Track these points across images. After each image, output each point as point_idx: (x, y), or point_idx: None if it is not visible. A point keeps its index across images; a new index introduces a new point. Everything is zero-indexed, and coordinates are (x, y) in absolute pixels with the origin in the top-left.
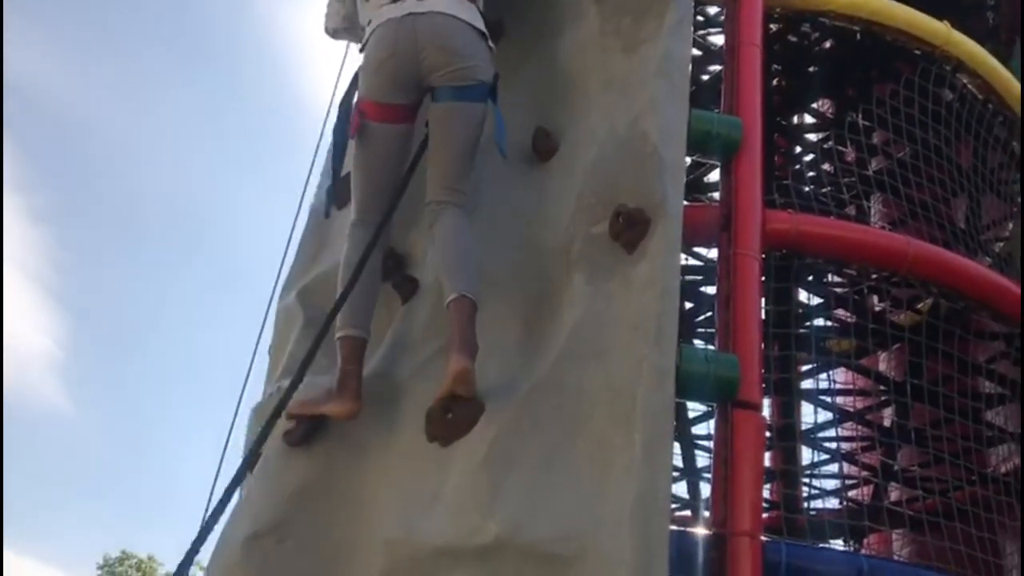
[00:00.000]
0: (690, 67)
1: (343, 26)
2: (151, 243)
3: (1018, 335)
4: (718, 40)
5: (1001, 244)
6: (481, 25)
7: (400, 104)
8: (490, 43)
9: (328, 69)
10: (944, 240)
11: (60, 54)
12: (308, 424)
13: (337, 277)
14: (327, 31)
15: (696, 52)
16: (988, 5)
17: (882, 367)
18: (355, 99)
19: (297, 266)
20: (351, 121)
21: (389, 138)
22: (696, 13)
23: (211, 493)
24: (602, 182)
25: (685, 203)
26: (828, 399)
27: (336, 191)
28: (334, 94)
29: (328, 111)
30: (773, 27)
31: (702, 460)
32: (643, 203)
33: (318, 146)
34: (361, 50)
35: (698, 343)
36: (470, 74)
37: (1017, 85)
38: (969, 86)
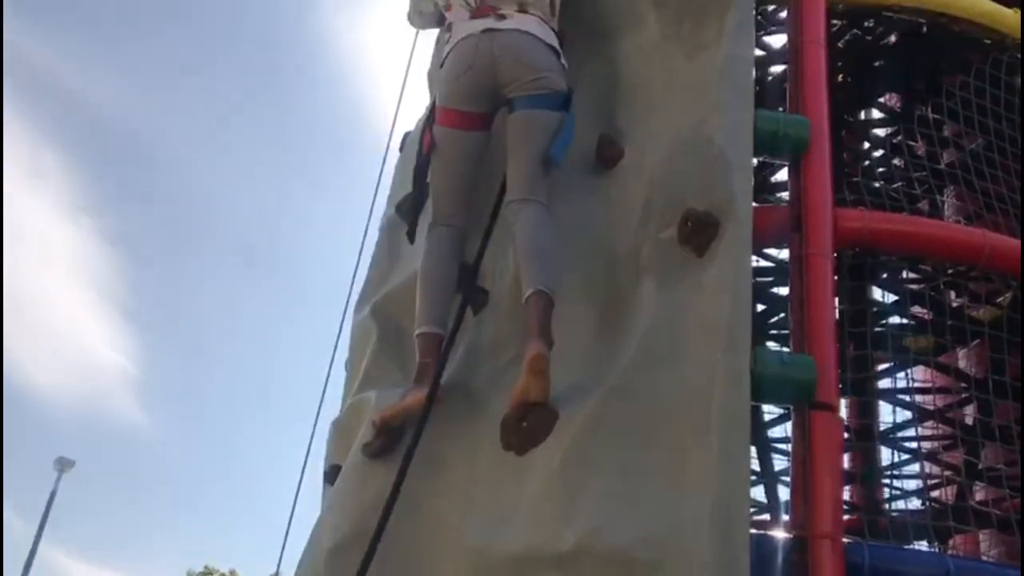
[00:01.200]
0: (753, 68)
1: (424, 19)
2: (222, 260)
3: None
4: (780, 40)
5: None
6: (555, 42)
7: (477, 112)
8: (563, 60)
9: (391, 80)
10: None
11: (128, 76)
12: (387, 436)
13: (410, 291)
14: (409, 19)
15: (759, 52)
16: None
17: (962, 364)
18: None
19: (370, 281)
20: (423, 141)
21: (466, 144)
22: (757, 13)
23: (293, 507)
24: (669, 187)
25: (754, 204)
26: (907, 398)
27: (403, 207)
28: (398, 109)
29: (393, 126)
30: (836, 23)
31: (780, 463)
32: (711, 206)
33: (384, 160)
34: (440, 65)
35: (772, 345)
36: (545, 84)
37: None
38: None
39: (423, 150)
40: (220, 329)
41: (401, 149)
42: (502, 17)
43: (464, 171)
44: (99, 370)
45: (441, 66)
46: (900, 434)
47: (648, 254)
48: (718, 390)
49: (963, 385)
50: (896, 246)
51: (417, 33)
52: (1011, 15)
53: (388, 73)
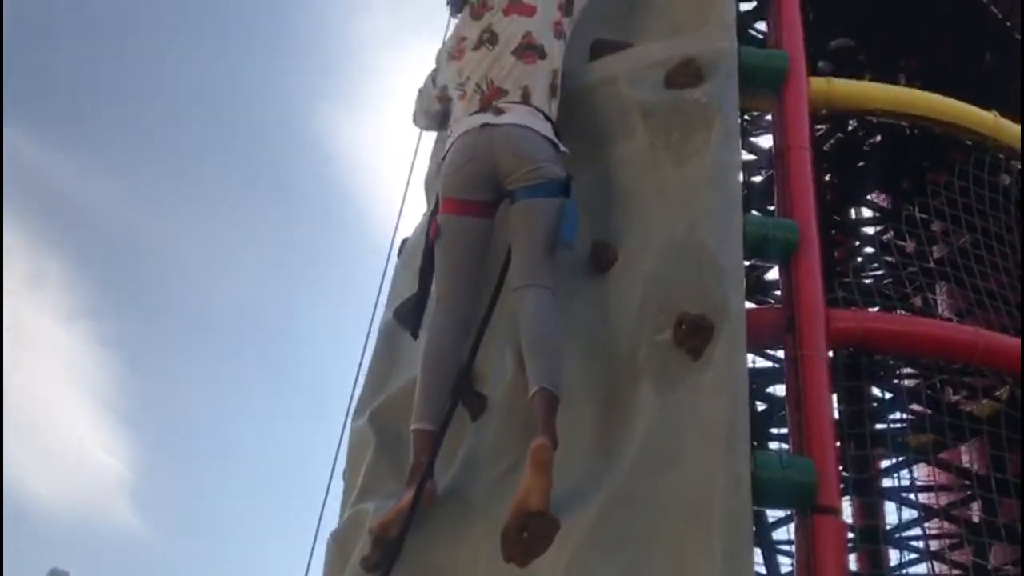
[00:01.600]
0: (740, 174)
1: (429, 119)
2: (220, 363)
3: None
4: (767, 140)
5: None
6: (551, 135)
7: (478, 200)
8: (562, 148)
9: (394, 182)
10: (1016, 327)
11: (127, 180)
12: (385, 548)
13: (408, 397)
14: (414, 119)
15: (747, 156)
16: None
17: (964, 459)
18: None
19: (368, 388)
20: (429, 230)
21: (469, 230)
22: (742, 119)
23: None
24: (663, 290)
25: (748, 306)
26: (912, 496)
27: (401, 312)
28: (401, 211)
29: (396, 228)
30: (820, 127)
31: (785, 565)
32: (705, 309)
33: (386, 267)
34: (443, 159)
35: (774, 445)
36: (543, 174)
37: None
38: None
39: (428, 239)
40: (217, 433)
41: (400, 255)
42: (500, 111)
43: (467, 258)
44: (94, 475)
45: (443, 159)
46: (906, 533)
47: (645, 357)
48: (719, 495)
49: (966, 483)
50: (890, 346)
51: (420, 134)
52: (988, 116)
53: (391, 175)
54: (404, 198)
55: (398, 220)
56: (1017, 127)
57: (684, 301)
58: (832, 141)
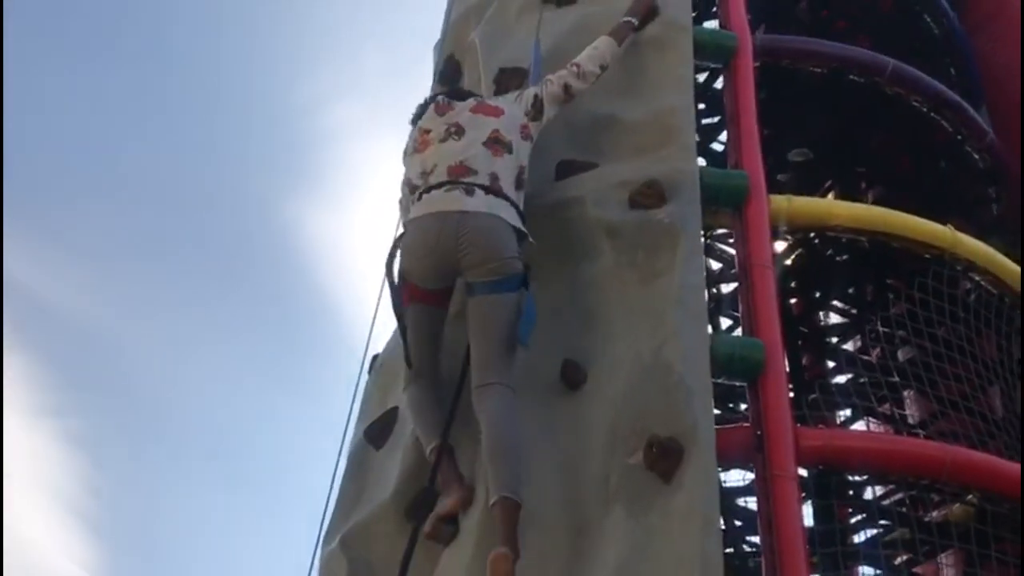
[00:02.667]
0: (705, 294)
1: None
2: (189, 467)
3: None
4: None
5: None
6: (518, 223)
7: (438, 290)
8: (530, 239)
9: (365, 279)
10: (985, 431)
11: (89, 273)
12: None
13: (379, 523)
14: (400, 205)
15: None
16: (992, 198)
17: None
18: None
19: (338, 512)
20: (402, 294)
21: (428, 315)
22: (706, 237)
23: None
24: (633, 412)
25: (718, 426)
26: None
27: (372, 432)
28: (374, 320)
29: (366, 349)
30: (785, 242)
31: None
32: (675, 431)
33: (357, 384)
34: (404, 225)
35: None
36: (504, 269)
37: None
38: (982, 283)
39: (401, 303)
40: (184, 538)
41: (371, 371)
42: (471, 191)
43: (429, 339)
44: None
45: (404, 233)
46: None
47: (617, 480)
48: None
49: None
50: (858, 463)
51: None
52: (945, 231)
53: (363, 269)
54: (377, 307)
55: (371, 329)
56: (972, 241)
57: (654, 423)
58: (796, 255)
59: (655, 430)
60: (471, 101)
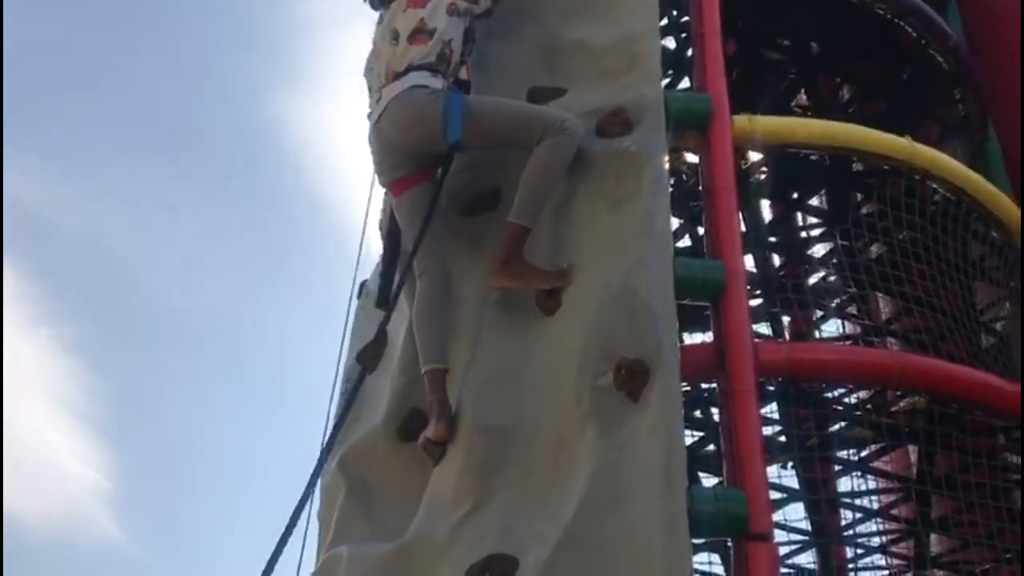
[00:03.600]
0: (670, 219)
1: None
2: (189, 364)
3: (1016, 427)
4: None
5: (1001, 323)
6: (421, 79)
7: (406, 174)
8: (437, 83)
9: (352, 169)
10: (947, 326)
11: (76, 182)
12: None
13: (373, 443)
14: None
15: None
16: (957, 99)
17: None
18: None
19: (335, 435)
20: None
21: (411, 202)
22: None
23: None
24: (602, 336)
25: (681, 345)
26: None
27: (364, 357)
28: (364, 230)
29: (361, 243)
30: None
31: None
32: (641, 354)
33: (354, 282)
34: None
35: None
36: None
37: (983, 183)
38: (940, 189)
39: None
40: (194, 434)
41: (359, 297)
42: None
43: (418, 224)
44: (71, 488)
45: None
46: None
47: (589, 401)
48: (659, 532)
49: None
50: (815, 374)
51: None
52: (903, 142)
53: (350, 160)
54: (369, 202)
55: (363, 230)
56: (930, 150)
57: (622, 346)
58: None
59: (623, 353)
60: None
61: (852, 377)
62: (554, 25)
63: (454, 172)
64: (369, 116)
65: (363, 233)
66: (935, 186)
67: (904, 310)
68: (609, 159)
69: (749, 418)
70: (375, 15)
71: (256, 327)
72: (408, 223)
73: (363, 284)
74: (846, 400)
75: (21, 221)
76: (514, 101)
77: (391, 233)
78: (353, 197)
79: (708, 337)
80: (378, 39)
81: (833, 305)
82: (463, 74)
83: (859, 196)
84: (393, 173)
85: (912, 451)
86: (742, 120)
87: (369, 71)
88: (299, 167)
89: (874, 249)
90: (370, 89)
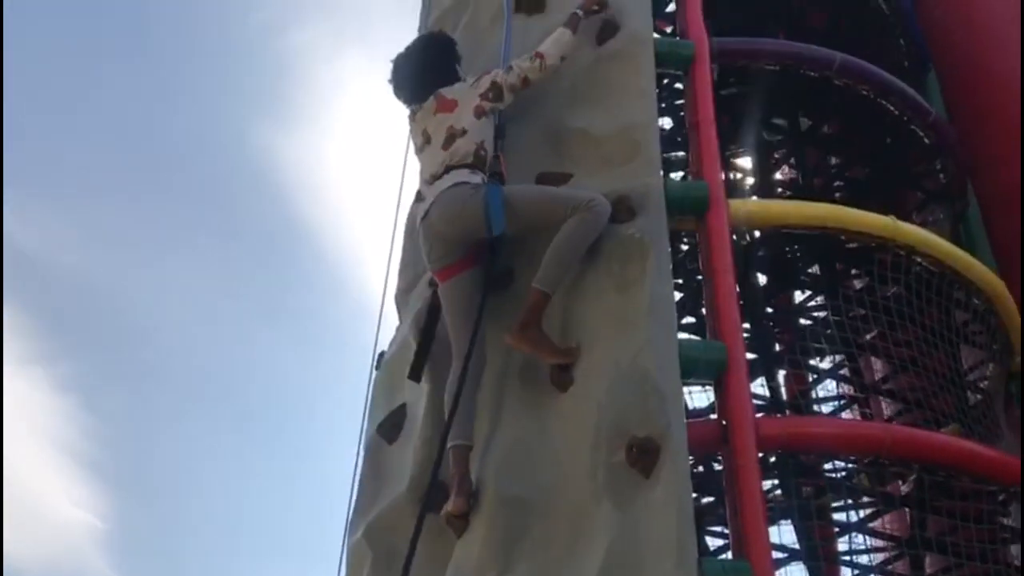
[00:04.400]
0: (674, 304)
1: None
2: (182, 404)
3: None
4: None
5: (985, 383)
6: (463, 176)
7: (454, 262)
8: (477, 178)
9: (341, 198)
10: (937, 385)
11: (66, 220)
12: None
13: (398, 514)
14: None
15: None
16: (938, 169)
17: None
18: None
19: (360, 504)
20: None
21: (459, 285)
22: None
23: None
24: (614, 415)
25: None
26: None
27: (384, 428)
28: (387, 273)
29: (382, 308)
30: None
31: None
32: (651, 432)
33: (377, 338)
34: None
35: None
36: (479, 210)
37: (963, 255)
38: (923, 262)
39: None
40: (187, 473)
41: (377, 368)
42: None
43: (464, 311)
44: (63, 530)
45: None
46: None
47: (603, 476)
48: None
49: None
50: (811, 447)
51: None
52: (887, 221)
53: (336, 196)
54: (390, 257)
55: (387, 272)
56: (913, 228)
57: (633, 425)
58: (761, 247)
59: (634, 431)
60: (432, 101)
61: (846, 449)
62: (559, 113)
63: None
64: (415, 214)
65: (381, 305)
66: (919, 259)
67: (895, 370)
68: (615, 244)
69: (752, 491)
70: (362, 46)
71: (250, 363)
72: (453, 305)
73: (381, 355)
74: (845, 465)
75: (15, 257)
76: (542, 187)
77: (431, 310)
78: (343, 226)
79: None
80: (415, 135)
81: (828, 367)
82: (497, 167)
83: (851, 269)
84: (441, 262)
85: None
86: (738, 204)
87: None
88: (287, 198)
89: (865, 315)
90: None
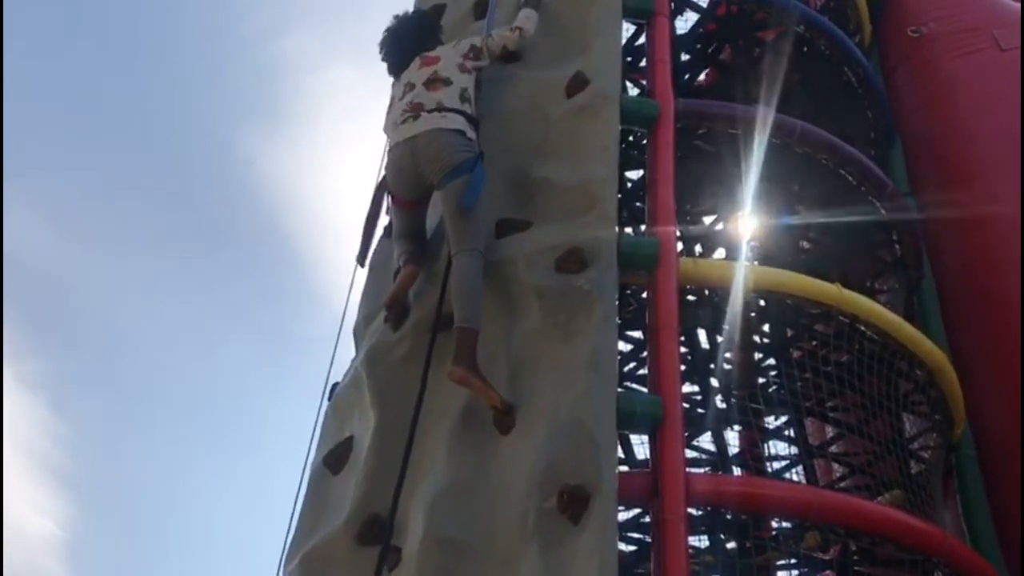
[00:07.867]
0: (616, 357)
1: None
2: (151, 411)
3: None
4: None
5: (928, 452)
6: (461, 124)
7: (413, 199)
8: (472, 134)
9: (325, 208)
10: (877, 453)
11: (45, 218)
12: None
13: (334, 547)
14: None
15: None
16: (894, 240)
17: None
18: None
19: (298, 533)
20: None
21: (409, 216)
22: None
23: None
24: (549, 461)
25: (622, 471)
26: None
27: (330, 459)
28: (349, 293)
29: (338, 337)
30: (692, 298)
31: None
32: (583, 481)
33: (330, 369)
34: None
35: None
36: (452, 161)
37: (907, 327)
38: (867, 332)
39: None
40: (153, 486)
41: (330, 398)
42: (418, 117)
43: (411, 230)
44: (21, 537)
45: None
46: None
47: (534, 521)
48: None
49: None
50: (740, 505)
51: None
52: (832, 288)
53: (321, 204)
54: (352, 281)
55: (336, 343)
56: (858, 297)
57: (566, 472)
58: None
59: (567, 479)
60: (416, 60)
61: (774, 510)
62: (525, 162)
63: (420, 294)
64: (391, 130)
65: (338, 334)
66: (863, 328)
67: (841, 434)
68: (563, 294)
69: (677, 545)
70: (352, 54)
71: (221, 374)
72: (408, 225)
73: (334, 386)
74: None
75: None
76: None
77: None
78: (325, 239)
79: None
80: (395, 94)
81: (774, 427)
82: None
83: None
84: (407, 194)
85: None
86: (687, 262)
87: (387, 119)
88: (270, 206)
89: (809, 378)
90: (386, 130)
